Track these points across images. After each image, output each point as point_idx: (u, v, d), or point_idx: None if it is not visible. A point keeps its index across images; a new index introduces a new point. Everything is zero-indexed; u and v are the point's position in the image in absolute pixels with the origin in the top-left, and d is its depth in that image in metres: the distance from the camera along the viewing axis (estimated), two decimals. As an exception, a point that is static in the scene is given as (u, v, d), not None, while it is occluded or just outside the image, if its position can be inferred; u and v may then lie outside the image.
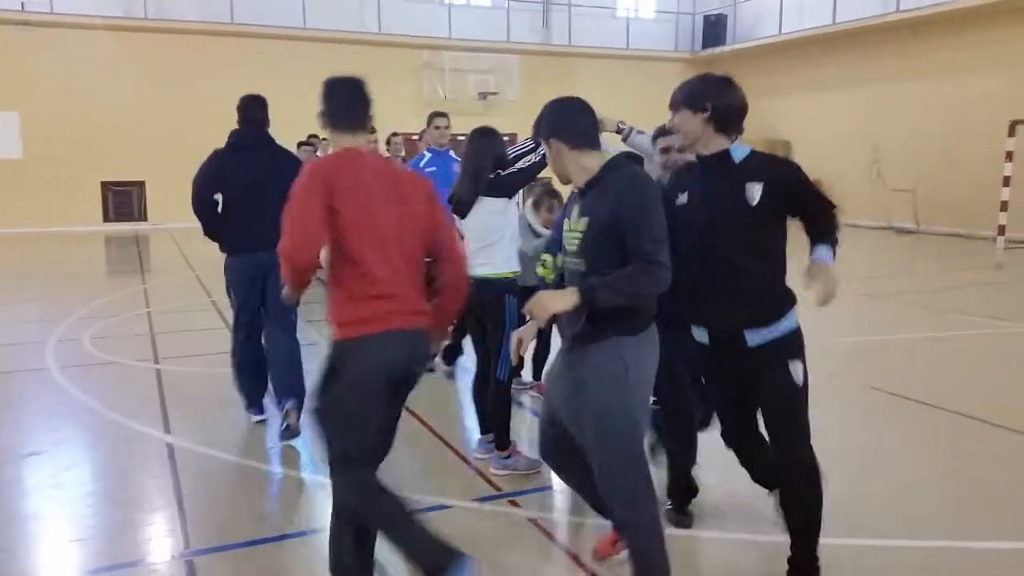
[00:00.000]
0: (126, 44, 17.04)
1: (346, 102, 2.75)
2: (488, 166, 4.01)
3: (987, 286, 10.75)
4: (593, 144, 2.64)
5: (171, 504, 3.82)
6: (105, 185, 17.55)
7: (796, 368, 2.75)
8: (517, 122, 6.83)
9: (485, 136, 4.12)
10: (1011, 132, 13.56)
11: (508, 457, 4.13)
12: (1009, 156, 13.58)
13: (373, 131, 3.16)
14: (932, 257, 13.91)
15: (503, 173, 4.04)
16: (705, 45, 21.58)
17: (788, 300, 2.82)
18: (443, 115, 6.32)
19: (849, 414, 5.20)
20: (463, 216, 4.08)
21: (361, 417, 2.56)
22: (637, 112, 7.34)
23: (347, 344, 2.59)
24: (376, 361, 2.57)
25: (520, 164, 4.07)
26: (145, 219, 17.81)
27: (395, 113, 16.39)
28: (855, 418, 5.15)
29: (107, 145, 17.07)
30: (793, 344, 2.79)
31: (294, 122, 11.88)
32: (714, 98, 2.72)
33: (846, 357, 6.65)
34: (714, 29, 21.31)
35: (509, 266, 4.08)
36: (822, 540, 2.88)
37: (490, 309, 4.04)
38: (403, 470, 4.03)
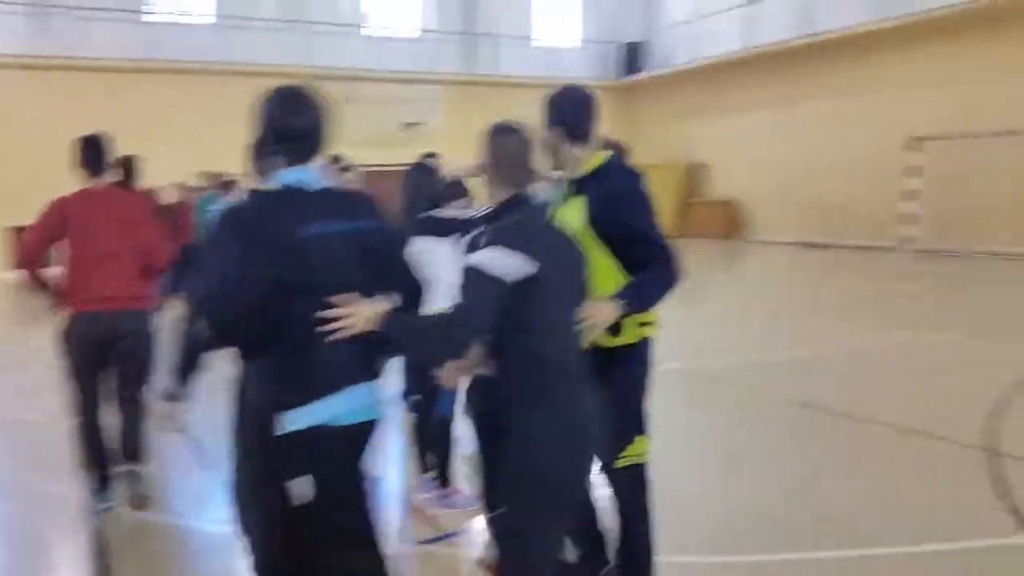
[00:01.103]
0: (33, 81, 16.46)
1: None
2: (420, 203, 3.96)
3: (899, 296, 11.23)
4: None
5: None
6: (11, 231, 16.77)
7: None
8: (442, 152, 6.81)
9: (420, 172, 4.07)
10: (912, 148, 14.34)
11: (448, 496, 4.06)
12: (911, 171, 14.36)
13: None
14: (842, 270, 14.48)
15: (432, 214, 3.94)
16: (628, 73, 22.14)
17: None
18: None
19: (777, 431, 5.33)
20: None
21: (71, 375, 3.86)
22: None
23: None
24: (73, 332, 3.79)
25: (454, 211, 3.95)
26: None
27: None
28: (783, 435, 5.28)
29: (11, 188, 16.34)
30: None
31: (216, 156, 11.72)
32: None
33: (772, 372, 6.84)
34: (634, 56, 21.90)
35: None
36: (762, 556, 2.93)
37: None
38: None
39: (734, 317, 9.85)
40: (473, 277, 2.10)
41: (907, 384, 6.40)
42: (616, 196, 2.71)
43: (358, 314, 2.16)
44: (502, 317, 2.11)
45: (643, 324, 2.79)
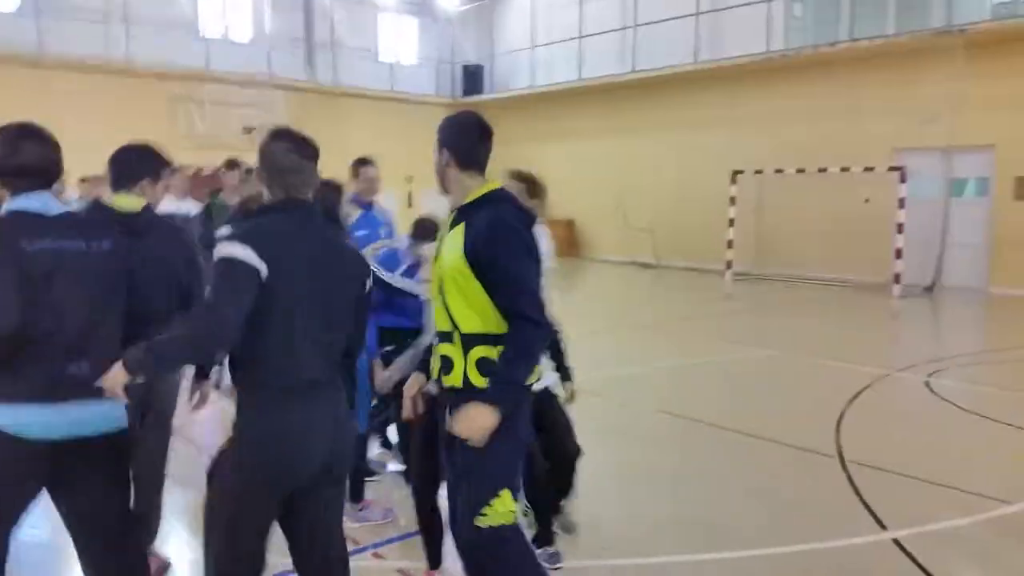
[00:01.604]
0: None
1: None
2: None
3: (723, 316, 12.39)
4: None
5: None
6: None
7: None
8: None
9: (326, 187, 4.01)
10: (733, 180, 15.88)
11: (362, 509, 4.10)
12: (732, 200, 15.89)
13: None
14: (672, 289, 15.71)
15: None
16: (465, 93, 22.61)
17: None
18: (369, 162, 5.20)
19: (636, 439, 5.81)
20: None
21: None
22: (405, 152, 7.57)
23: None
24: None
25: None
26: None
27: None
28: (662, 444, 5.77)
29: None
30: None
31: None
32: None
33: (609, 385, 7.38)
34: (473, 78, 22.42)
35: None
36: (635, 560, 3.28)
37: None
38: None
39: (584, 334, 10.43)
40: (224, 267, 2.20)
41: (753, 395, 7.16)
42: (490, 230, 2.51)
43: (111, 380, 2.23)
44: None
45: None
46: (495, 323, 2.50)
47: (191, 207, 6.77)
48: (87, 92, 15.86)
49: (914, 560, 3.72)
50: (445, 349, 2.60)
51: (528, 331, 2.46)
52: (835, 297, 13.69)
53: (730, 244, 15.98)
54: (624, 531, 4.12)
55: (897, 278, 13.50)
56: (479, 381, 2.50)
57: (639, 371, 8.04)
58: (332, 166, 5.65)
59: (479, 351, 2.51)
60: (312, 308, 2.31)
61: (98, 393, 2.28)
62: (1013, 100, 13.17)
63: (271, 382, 2.29)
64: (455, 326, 2.54)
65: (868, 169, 13.95)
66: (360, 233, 4.76)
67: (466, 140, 2.64)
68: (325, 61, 20.39)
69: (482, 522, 2.48)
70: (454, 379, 2.56)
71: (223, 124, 17.54)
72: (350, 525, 4.00)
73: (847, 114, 14.96)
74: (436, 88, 22.75)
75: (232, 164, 6.26)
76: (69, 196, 11.00)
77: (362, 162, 5.19)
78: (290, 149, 2.40)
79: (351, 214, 4.78)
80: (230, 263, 2.19)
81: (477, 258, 2.48)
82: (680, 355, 8.89)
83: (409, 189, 19.74)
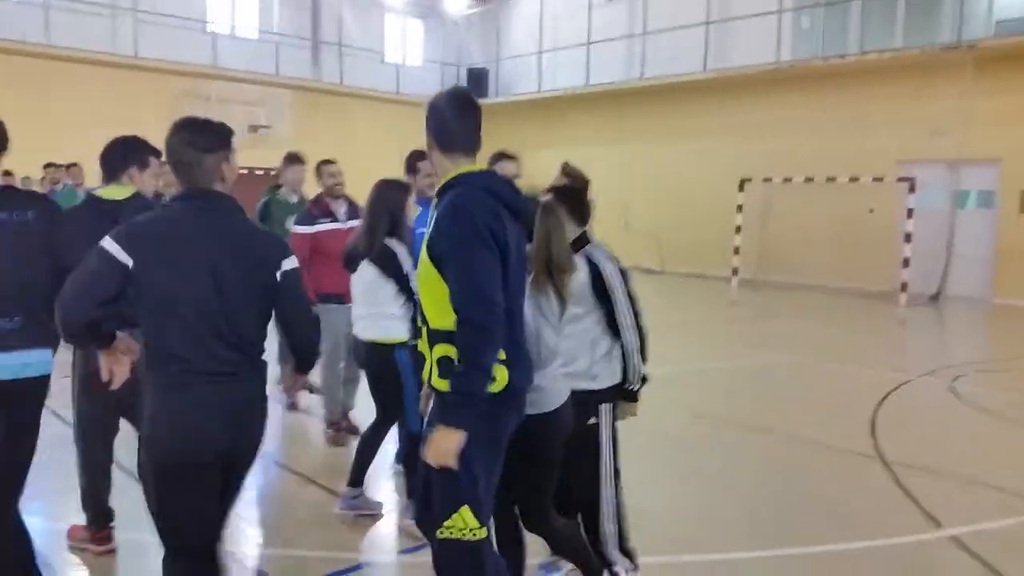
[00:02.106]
0: None
1: None
2: (382, 226, 3.88)
3: (734, 321, 12.46)
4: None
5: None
6: None
7: None
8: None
9: (387, 189, 3.98)
10: (740, 188, 15.97)
11: (356, 497, 4.10)
12: (739, 208, 15.98)
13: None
14: (678, 295, 15.76)
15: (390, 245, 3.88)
16: (470, 95, 22.64)
17: None
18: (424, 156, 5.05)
19: (675, 441, 5.84)
20: (351, 271, 4.00)
21: None
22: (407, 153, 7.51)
23: None
24: None
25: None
26: None
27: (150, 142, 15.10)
28: (682, 444, 5.79)
29: None
30: None
31: (37, 150, 10.65)
32: None
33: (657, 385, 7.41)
34: (478, 81, 22.43)
35: (388, 333, 3.91)
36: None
37: (381, 370, 3.97)
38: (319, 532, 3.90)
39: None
40: (90, 255, 2.30)
41: (782, 398, 7.20)
42: (443, 218, 2.37)
43: None
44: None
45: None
46: (453, 319, 2.33)
47: None
48: (93, 85, 15.76)
49: (977, 557, 3.76)
50: (421, 344, 2.54)
51: (467, 336, 2.28)
52: (841, 305, 13.79)
53: (736, 251, 16.07)
54: (675, 528, 4.14)
55: (904, 287, 13.62)
56: (438, 383, 2.39)
57: (663, 373, 8.04)
58: (340, 164, 5.69)
59: (440, 349, 2.39)
60: (204, 299, 2.32)
61: (27, 344, 2.76)
62: (1020, 115, 13.35)
63: (162, 368, 2.34)
64: (424, 320, 2.46)
65: (877, 180, 14.08)
66: (420, 231, 4.66)
67: (442, 120, 2.47)
68: (331, 61, 20.37)
69: (442, 534, 2.43)
70: (426, 375, 2.50)
71: (229, 121, 17.27)
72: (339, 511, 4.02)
73: (855, 125, 15.11)
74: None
75: (293, 158, 6.22)
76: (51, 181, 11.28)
77: (326, 162, 5.50)
78: (186, 142, 2.40)
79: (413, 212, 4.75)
80: (95, 252, 2.29)
81: (432, 248, 2.37)
82: (702, 359, 8.92)
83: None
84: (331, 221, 5.27)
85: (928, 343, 11.31)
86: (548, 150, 20.94)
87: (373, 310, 3.90)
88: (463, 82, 22.88)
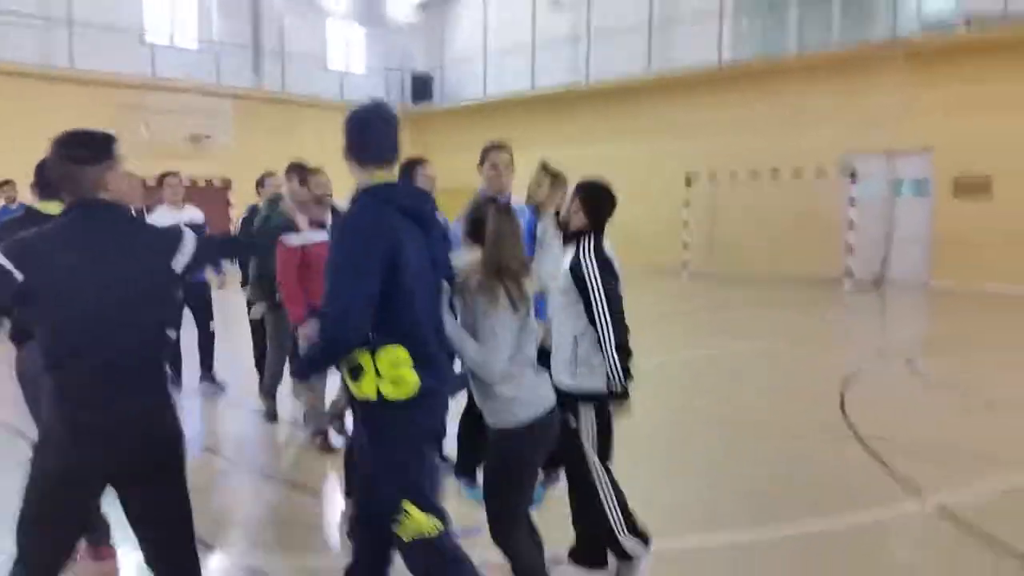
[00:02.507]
0: None
1: None
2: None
3: (689, 313, 12.75)
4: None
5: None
6: None
7: None
8: (232, 168, 6.52)
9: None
10: (688, 184, 16.36)
11: None
12: (687, 204, 16.37)
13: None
14: (630, 289, 15.87)
15: None
16: (414, 101, 22.60)
17: None
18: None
19: (657, 429, 5.99)
20: None
21: None
22: None
23: None
24: None
25: None
26: None
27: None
28: (665, 432, 5.94)
29: None
30: None
31: None
32: None
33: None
34: (423, 86, 22.44)
35: None
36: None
37: None
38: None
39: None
40: None
41: (751, 384, 7.41)
42: (339, 231, 2.58)
43: None
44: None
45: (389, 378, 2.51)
46: None
47: (193, 215, 6.64)
48: (27, 99, 15.23)
49: (963, 524, 3.96)
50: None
51: (323, 341, 2.52)
52: (789, 293, 14.24)
53: (685, 245, 16.45)
54: (667, 514, 4.25)
55: (849, 273, 14.14)
56: (353, 386, 2.57)
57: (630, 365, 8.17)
58: (282, 174, 5.64)
59: (354, 357, 2.51)
60: (94, 305, 2.32)
61: None
62: (949, 106, 14.02)
63: (57, 372, 2.34)
64: None
65: (821, 172, 14.59)
66: None
67: (355, 132, 2.60)
68: (273, 69, 20.09)
69: (399, 532, 2.54)
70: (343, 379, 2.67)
71: (170, 132, 17.09)
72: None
73: (795, 121, 15.64)
74: (386, 97, 22.66)
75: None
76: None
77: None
78: (64, 156, 2.40)
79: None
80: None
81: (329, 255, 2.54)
82: (665, 351, 9.08)
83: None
84: (319, 230, 5.20)
85: (878, 326, 11.78)
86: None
87: None
88: (408, 88, 22.86)
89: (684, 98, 17.40)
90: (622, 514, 3.27)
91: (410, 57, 23.07)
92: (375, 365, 2.48)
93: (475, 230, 2.80)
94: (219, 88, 18.46)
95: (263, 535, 4.07)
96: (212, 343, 6.87)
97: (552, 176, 4.29)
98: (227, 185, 18.32)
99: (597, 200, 3.39)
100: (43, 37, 16.17)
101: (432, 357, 2.57)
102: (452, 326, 2.73)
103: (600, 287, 3.21)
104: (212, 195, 17.25)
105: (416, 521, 2.51)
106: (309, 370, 2.88)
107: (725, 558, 3.72)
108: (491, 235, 2.75)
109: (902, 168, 15.09)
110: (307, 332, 4.66)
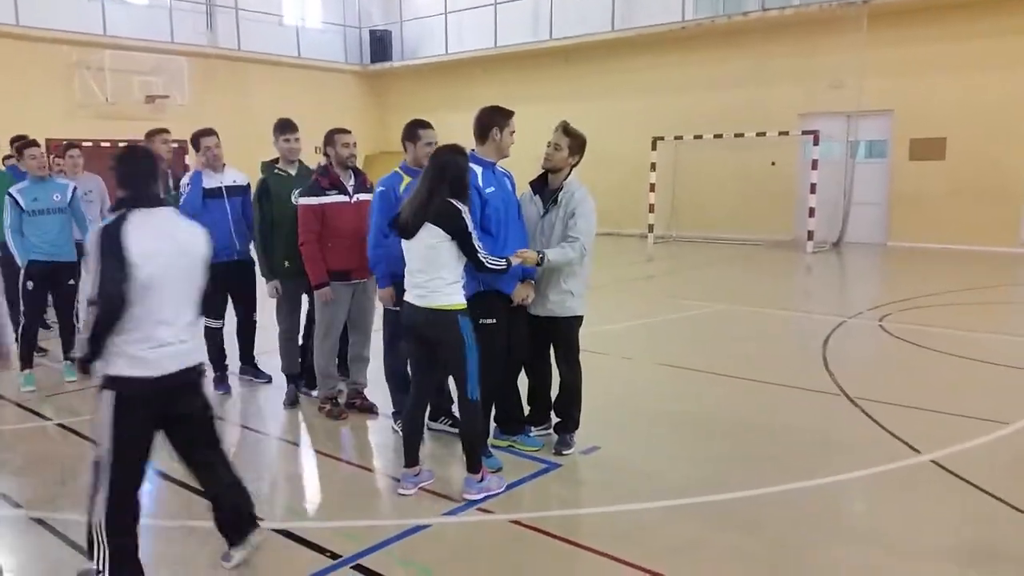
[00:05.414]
0: None
1: None
2: (443, 189, 3.90)
3: (659, 276, 12.99)
4: None
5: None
6: None
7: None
8: (189, 127, 6.34)
9: (451, 154, 3.96)
10: (653, 146, 16.48)
11: (482, 480, 4.09)
12: (653, 167, 16.50)
13: None
14: (596, 254, 16.15)
15: (455, 203, 3.90)
16: (373, 60, 22.12)
17: None
18: (427, 125, 4.90)
19: (647, 388, 6.18)
20: (408, 238, 3.98)
21: None
22: (310, 120, 7.48)
23: None
24: None
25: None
26: None
27: (41, 117, 14.08)
28: (656, 391, 6.14)
29: None
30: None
31: None
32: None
33: (597, 342, 7.72)
34: (381, 44, 21.94)
35: (452, 299, 3.95)
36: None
37: (445, 336, 3.97)
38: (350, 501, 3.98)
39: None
40: None
41: (733, 345, 7.64)
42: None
43: None
44: None
45: None
46: None
47: (236, 176, 5.98)
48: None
49: (962, 477, 4.23)
50: None
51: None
52: (752, 255, 14.59)
53: (651, 208, 16.64)
54: (669, 475, 4.42)
55: (810, 235, 14.53)
56: None
57: (610, 330, 8.33)
58: (239, 134, 5.52)
59: None
60: None
61: None
62: (908, 68, 14.37)
63: None
64: None
65: (783, 133, 14.86)
66: (380, 189, 4.76)
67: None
68: (228, 25, 19.41)
69: None
70: None
71: (125, 93, 16.48)
72: (466, 497, 4.04)
73: (758, 80, 15.84)
74: (345, 55, 22.13)
75: (283, 127, 5.79)
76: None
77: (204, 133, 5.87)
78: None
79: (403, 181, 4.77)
80: None
81: None
82: (642, 315, 9.29)
83: (319, 161, 19.23)
84: (339, 194, 5.16)
85: (842, 286, 12.20)
86: (455, 114, 20.75)
87: (433, 275, 3.89)
88: (366, 46, 22.32)
89: (647, 58, 17.43)
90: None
91: (367, 14, 22.51)
92: None
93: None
94: (173, 46, 17.81)
95: (295, 500, 4.14)
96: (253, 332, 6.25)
97: (572, 138, 4.48)
98: (185, 147, 17.77)
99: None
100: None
101: None
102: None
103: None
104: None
105: None
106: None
107: (733, 510, 3.89)
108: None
109: (862, 130, 15.44)
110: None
